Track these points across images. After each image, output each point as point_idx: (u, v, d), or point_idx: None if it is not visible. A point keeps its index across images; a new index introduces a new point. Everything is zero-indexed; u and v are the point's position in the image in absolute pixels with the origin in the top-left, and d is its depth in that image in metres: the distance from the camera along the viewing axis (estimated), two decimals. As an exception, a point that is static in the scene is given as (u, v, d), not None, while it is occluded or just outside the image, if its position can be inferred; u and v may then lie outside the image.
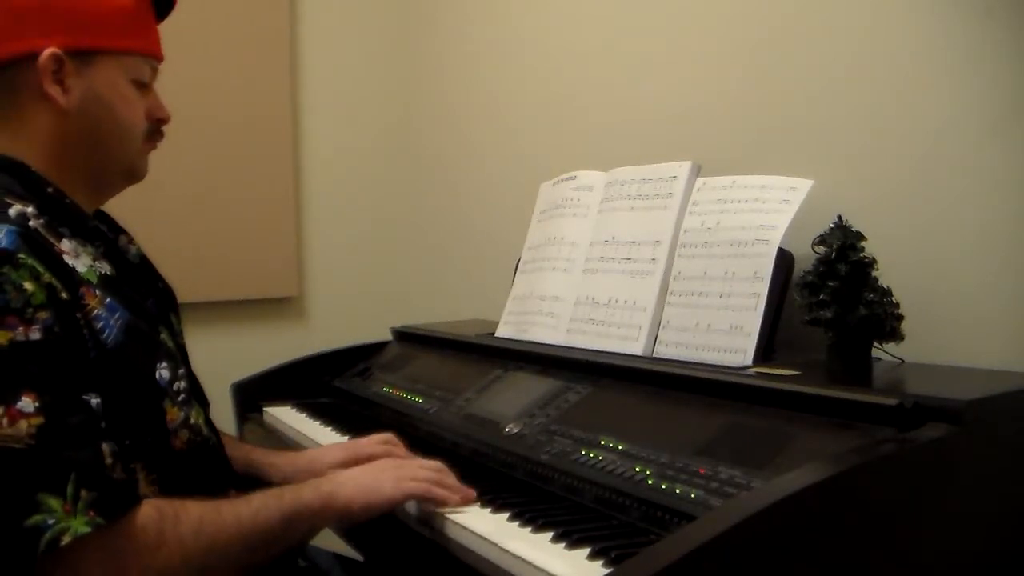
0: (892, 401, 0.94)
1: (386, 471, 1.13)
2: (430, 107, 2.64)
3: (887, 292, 1.16)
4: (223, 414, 1.67)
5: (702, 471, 1.00)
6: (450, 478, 1.15)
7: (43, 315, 0.91)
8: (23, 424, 0.86)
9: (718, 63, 1.60)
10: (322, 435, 1.58)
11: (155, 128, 1.18)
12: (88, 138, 1.11)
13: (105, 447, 0.91)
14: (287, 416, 1.75)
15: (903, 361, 1.19)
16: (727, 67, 1.58)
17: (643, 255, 1.45)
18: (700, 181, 1.43)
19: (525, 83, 2.19)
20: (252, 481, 1.25)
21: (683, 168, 1.45)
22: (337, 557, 1.49)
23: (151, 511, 0.93)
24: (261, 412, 1.83)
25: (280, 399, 1.86)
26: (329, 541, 1.36)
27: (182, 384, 1.09)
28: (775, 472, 0.93)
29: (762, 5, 1.51)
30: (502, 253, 1.98)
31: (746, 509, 0.75)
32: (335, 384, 1.91)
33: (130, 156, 1.16)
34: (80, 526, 0.86)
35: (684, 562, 0.70)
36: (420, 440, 1.43)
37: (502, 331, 1.70)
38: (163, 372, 1.06)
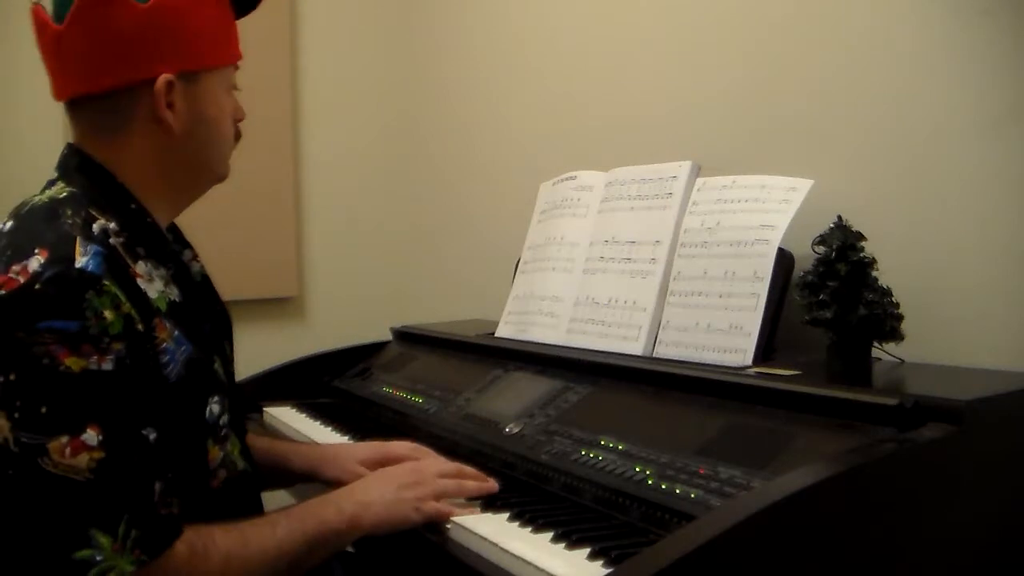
0: (892, 401, 0.94)
1: (407, 488, 1.12)
2: (430, 107, 2.64)
3: (887, 292, 1.16)
4: (223, 414, 1.67)
5: (702, 471, 1.00)
6: (468, 480, 1.15)
7: (117, 346, 0.91)
8: (84, 457, 0.87)
9: (718, 63, 1.60)
10: (322, 435, 1.58)
11: (237, 129, 1.19)
12: (191, 154, 1.11)
13: (157, 486, 0.92)
14: (287, 416, 1.75)
15: (903, 361, 1.19)
16: (727, 67, 1.58)
17: (643, 255, 1.45)
18: (700, 181, 1.43)
19: (525, 83, 2.19)
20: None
21: (683, 168, 1.45)
22: (336, 556, 1.48)
23: (182, 548, 0.93)
24: (261, 412, 1.83)
25: (280, 399, 1.85)
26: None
27: (226, 418, 1.09)
28: (775, 472, 0.93)
29: (762, 5, 1.51)
30: (502, 253, 1.97)
31: (746, 509, 0.76)
32: (335, 384, 1.91)
33: (223, 163, 1.17)
34: (126, 565, 0.87)
35: (684, 562, 0.71)
36: (420, 441, 1.43)
37: (502, 331, 1.70)
38: (213, 407, 1.06)
